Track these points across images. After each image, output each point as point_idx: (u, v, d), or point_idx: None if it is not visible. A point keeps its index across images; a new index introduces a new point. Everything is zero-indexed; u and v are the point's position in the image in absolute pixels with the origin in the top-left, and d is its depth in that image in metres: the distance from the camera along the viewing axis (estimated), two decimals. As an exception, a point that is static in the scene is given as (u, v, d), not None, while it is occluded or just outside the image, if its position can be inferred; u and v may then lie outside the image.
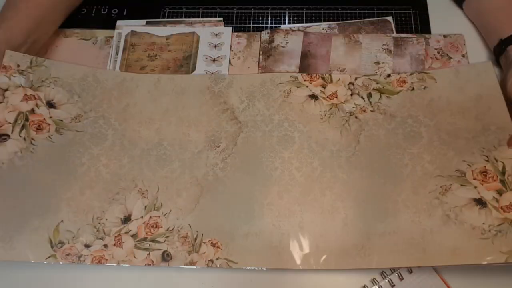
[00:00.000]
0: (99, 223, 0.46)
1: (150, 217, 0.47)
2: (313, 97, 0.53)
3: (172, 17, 0.62)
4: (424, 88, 0.52)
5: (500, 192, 0.45)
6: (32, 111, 0.51)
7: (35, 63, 0.53)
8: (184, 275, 0.47)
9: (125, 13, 0.62)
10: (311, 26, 0.59)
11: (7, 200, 0.47)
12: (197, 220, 0.47)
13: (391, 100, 0.52)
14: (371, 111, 0.52)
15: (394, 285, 0.45)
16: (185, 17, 0.62)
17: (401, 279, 0.45)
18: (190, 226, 0.46)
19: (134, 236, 0.46)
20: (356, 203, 0.47)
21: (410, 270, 0.45)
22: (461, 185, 0.46)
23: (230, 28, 0.60)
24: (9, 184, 0.48)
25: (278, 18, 0.61)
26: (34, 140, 0.50)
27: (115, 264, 0.45)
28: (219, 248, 0.45)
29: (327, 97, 0.53)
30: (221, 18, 0.61)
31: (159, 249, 0.46)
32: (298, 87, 0.54)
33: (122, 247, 0.46)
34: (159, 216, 0.47)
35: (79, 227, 0.46)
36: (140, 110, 0.53)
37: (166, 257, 0.45)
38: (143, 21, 0.61)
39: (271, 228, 0.46)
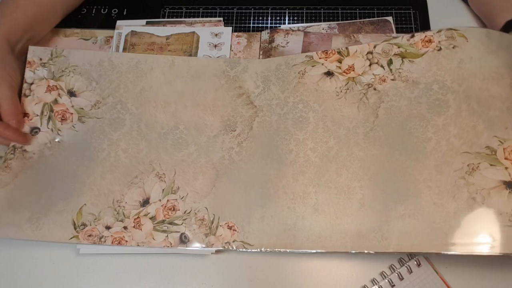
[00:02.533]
0: (119, 206, 0.48)
1: (168, 200, 0.48)
2: (329, 74, 0.51)
3: (172, 17, 0.62)
4: (453, 48, 0.47)
5: None
6: (56, 101, 0.52)
7: (55, 54, 0.54)
8: (184, 275, 0.47)
9: (125, 13, 0.62)
10: (311, 26, 0.59)
11: (37, 186, 0.49)
12: (213, 203, 0.47)
13: (414, 65, 0.48)
14: (392, 79, 0.48)
15: (394, 285, 0.45)
16: (185, 17, 0.62)
17: (401, 279, 0.45)
18: (206, 209, 0.47)
19: (152, 218, 0.47)
20: (373, 183, 0.44)
21: (410, 270, 0.45)
22: (491, 164, 0.42)
23: (230, 28, 0.60)
24: (39, 172, 0.49)
25: (278, 18, 0.61)
26: (60, 130, 0.51)
27: (134, 246, 0.46)
28: (235, 230, 0.46)
29: (344, 71, 0.50)
30: (221, 18, 0.61)
31: (177, 231, 0.46)
32: (313, 66, 0.51)
33: (141, 229, 0.47)
34: (176, 199, 0.48)
35: (100, 210, 0.48)
36: (156, 93, 0.53)
37: (183, 239, 0.46)
38: (143, 21, 0.61)
39: (286, 211, 0.46)
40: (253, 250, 0.45)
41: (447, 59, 0.47)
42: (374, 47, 0.50)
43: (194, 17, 0.62)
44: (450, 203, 0.42)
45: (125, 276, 0.47)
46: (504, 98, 0.44)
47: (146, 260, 0.48)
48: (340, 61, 0.51)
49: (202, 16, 0.62)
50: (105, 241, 0.46)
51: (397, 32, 0.58)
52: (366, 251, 0.43)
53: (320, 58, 0.52)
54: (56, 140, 0.51)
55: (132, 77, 0.54)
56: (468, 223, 0.41)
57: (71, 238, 0.46)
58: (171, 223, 0.47)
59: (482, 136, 0.43)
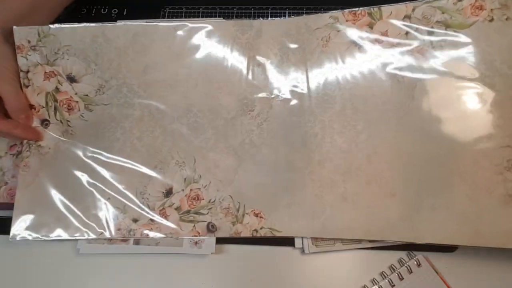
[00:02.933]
0: (143, 198, 0.47)
1: (191, 190, 0.47)
2: (358, 42, 0.45)
3: (172, 17, 0.62)
4: (506, 19, 0.41)
5: None
6: (57, 89, 0.50)
7: (42, 33, 0.50)
8: (184, 275, 0.47)
9: (125, 13, 0.62)
10: (311, 26, 0.59)
11: (58, 184, 0.48)
12: (237, 191, 0.46)
13: (459, 37, 0.42)
14: (432, 54, 0.43)
15: (394, 285, 0.45)
16: (185, 17, 0.62)
17: (401, 279, 0.45)
18: (231, 197, 0.46)
19: (177, 209, 0.47)
20: (405, 172, 0.42)
21: (410, 270, 0.45)
22: None
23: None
24: (58, 169, 0.48)
25: (278, 18, 0.61)
26: (69, 121, 0.49)
27: (163, 236, 0.46)
28: (262, 218, 0.45)
29: (375, 39, 0.45)
30: (221, 18, 0.61)
31: (204, 221, 0.46)
32: (338, 31, 0.46)
33: (168, 220, 0.46)
34: (199, 189, 0.47)
35: (125, 203, 0.47)
36: (162, 70, 0.49)
37: (211, 228, 0.46)
38: (143, 21, 0.61)
39: (313, 199, 0.44)
40: (282, 235, 0.45)
41: (499, 33, 0.41)
42: (413, 10, 0.44)
43: (194, 17, 0.61)
44: (485, 198, 0.40)
45: (125, 276, 0.47)
46: None
47: (146, 260, 0.48)
48: (371, 26, 0.45)
49: (202, 16, 0.62)
50: (134, 234, 0.46)
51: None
52: (397, 240, 0.42)
53: (347, 21, 0.46)
54: (70, 132, 0.49)
55: (132, 53, 0.49)
56: (502, 220, 0.39)
57: (100, 234, 0.46)
58: (196, 212, 0.46)
59: None
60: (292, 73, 0.47)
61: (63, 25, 0.50)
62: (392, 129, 0.43)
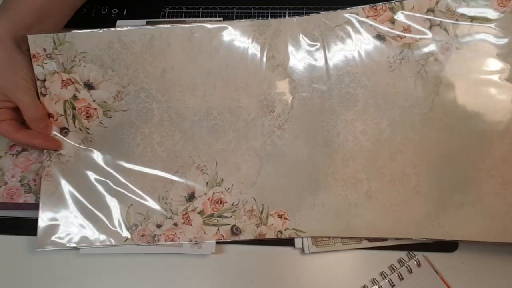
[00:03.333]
0: (166, 203, 0.47)
1: (214, 193, 0.47)
2: (379, 38, 0.44)
3: (172, 17, 0.62)
4: None
5: None
6: (75, 97, 0.49)
7: (58, 41, 0.49)
8: (184, 275, 0.47)
9: (125, 13, 0.62)
10: (311, 26, 0.59)
11: (82, 190, 0.47)
12: (260, 193, 0.46)
13: (490, 28, 0.41)
14: (457, 48, 0.41)
15: (394, 285, 0.45)
16: (185, 17, 0.62)
17: (401, 279, 0.45)
18: (254, 199, 0.46)
19: (201, 213, 0.46)
20: (430, 170, 0.42)
21: (410, 270, 0.45)
22: None
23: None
24: (79, 176, 0.48)
25: (278, 18, 0.61)
26: (88, 129, 0.49)
27: (187, 242, 0.46)
28: (286, 219, 0.45)
29: (397, 36, 0.43)
30: (221, 18, 0.61)
31: (228, 224, 0.46)
32: (361, 26, 0.45)
33: (191, 225, 0.46)
34: (222, 192, 0.46)
35: (148, 209, 0.47)
36: (180, 74, 0.48)
37: (235, 231, 0.46)
38: (143, 21, 0.61)
39: (337, 198, 0.44)
40: (303, 236, 0.45)
41: None
42: (437, 2, 0.42)
43: (194, 17, 0.61)
44: None
45: (125, 276, 0.47)
46: None
47: (146, 260, 0.48)
48: (392, 21, 0.43)
49: (202, 16, 0.62)
50: (158, 240, 0.46)
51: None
52: (424, 237, 0.42)
53: (367, 17, 0.44)
54: (89, 140, 0.49)
55: (149, 58, 0.48)
56: None
57: (125, 240, 0.46)
58: (220, 216, 0.46)
59: None
60: (312, 72, 0.46)
61: (78, 32, 0.49)
62: (416, 126, 0.43)
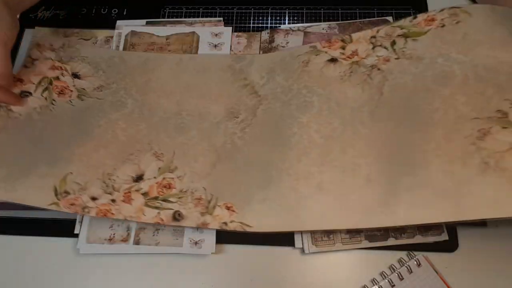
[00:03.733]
0: (109, 179, 0.47)
1: (164, 178, 0.47)
2: (332, 60, 0.51)
3: (172, 17, 0.62)
4: (457, 23, 0.47)
5: None
6: (57, 78, 0.52)
7: (67, 44, 0.55)
8: (184, 275, 0.47)
9: (125, 13, 0.62)
10: (311, 26, 0.59)
11: (18, 145, 0.48)
12: (212, 184, 0.46)
13: (417, 43, 0.47)
14: (396, 58, 0.48)
15: (394, 285, 0.45)
16: (185, 17, 0.62)
17: (401, 279, 0.45)
18: (204, 189, 0.46)
19: (145, 194, 0.46)
20: (380, 158, 0.44)
21: (410, 270, 0.45)
22: (503, 127, 0.41)
23: (230, 28, 0.60)
24: (24, 133, 0.49)
25: (278, 18, 0.61)
26: (54, 101, 0.50)
27: (121, 219, 0.45)
28: (234, 211, 0.45)
29: (347, 57, 0.50)
30: (221, 18, 0.61)
31: (170, 209, 0.45)
32: (317, 55, 0.52)
33: (131, 204, 0.46)
34: (173, 178, 0.47)
35: (88, 181, 0.47)
36: (162, 84, 0.53)
37: (177, 216, 0.45)
38: (143, 21, 0.61)
39: (289, 192, 0.45)
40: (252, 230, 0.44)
41: (451, 34, 0.46)
42: (377, 31, 0.50)
43: (194, 17, 0.62)
44: (461, 170, 0.40)
45: (125, 276, 0.47)
46: None
47: (146, 260, 0.48)
48: (343, 48, 0.51)
49: (202, 16, 0.62)
50: (88, 212, 0.45)
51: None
52: (375, 226, 0.42)
53: (323, 47, 0.52)
54: (49, 109, 0.50)
55: (140, 70, 0.54)
56: (481, 188, 0.39)
57: (50, 204, 0.45)
58: (165, 200, 0.46)
59: (492, 100, 0.42)
60: (276, 89, 0.51)
61: (89, 45, 0.56)
62: (364, 122, 0.46)
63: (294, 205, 0.44)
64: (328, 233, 0.47)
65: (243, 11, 0.62)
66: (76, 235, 0.48)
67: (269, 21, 0.61)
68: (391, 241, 0.46)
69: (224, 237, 0.48)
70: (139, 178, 0.47)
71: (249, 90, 0.52)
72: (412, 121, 0.44)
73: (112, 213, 0.45)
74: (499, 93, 0.42)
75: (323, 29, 0.59)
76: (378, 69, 0.48)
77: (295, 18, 0.61)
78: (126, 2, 0.63)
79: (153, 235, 0.48)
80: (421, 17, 0.49)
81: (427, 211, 0.40)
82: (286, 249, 0.48)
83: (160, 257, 0.48)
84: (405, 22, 0.49)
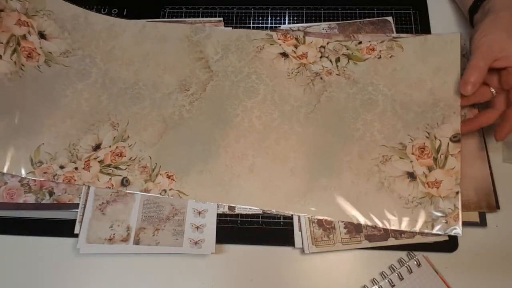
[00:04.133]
0: (74, 149, 0.52)
1: (117, 147, 0.52)
2: (284, 55, 0.56)
3: (172, 17, 0.62)
4: (390, 57, 0.54)
5: (430, 169, 0.48)
6: (24, 37, 0.55)
7: None
8: (184, 275, 0.47)
9: (125, 13, 0.62)
10: (311, 26, 0.59)
11: None
12: (157, 153, 0.52)
13: (357, 66, 0.54)
14: (337, 74, 0.54)
15: (394, 285, 0.45)
16: (185, 17, 0.62)
17: (401, 279, 0.45)
18: (150, 158, 0.51)
19: (101, 162, 0.51)
20: (306, 156, 0.50)
21: (410, 270, 0.45)
22: (400, 157, 0.49)
23: (230, 28, 0.60)
24: None
25: (278, 18, 0.61)
26: (23, 66, 0.54)
27: (81, 184, 0.50)
28: (173, 180, 0.50)
29: (297, 56, 0.56)
30: (221, 18, 0.61)
31: (120, 175, 0.51)
32: (271, 44, 0.56)
33: (89, 171, 0.51)
34: (124, 147, 0.52)
35: (57, 151, 0.52)
36: (123, 52, 0.57)
37: (124, 182, 0.50)
38: (143, 21, 0.61)
39: (224, 168, 0.50)
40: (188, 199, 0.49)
41: (383, 67, 0.54)
42: (327, 43, 0.56)
43: (194, 17, 0.61)
44: (364, 183, 0.49)
45: (125, 276, 0.47)
46: (421, 103, 0.51)
47: (146, 260, 0.48)
48: (296, 46, 0.56)
49: (202, 16, 0.62)
50: (57, 179, 0.50)
51: (397, 32, 0.58)
52: (290, 212, 0.48)
53: (278, 39, 0.57)
54: (19, 75, 0.53)
55: (105, 36, 0.58)
56: (374, 201, 0.48)
57: (28, 173, 0.50)
58: (116, 167, 0.51)
59: (399, 133, 0.50)
60: (228, 67, 0.56)
61: None
62: (300, 121, 0.52)
63: (227, 181, 0.50)
64: (328, 233, 0.47)
65: (243, 11, 0.62)
66: (76, 235, 0.48)
67: (269, 21, 0.61)
68: (391, 241, 0.46)
69: (224, 237, 0.48)
70: (97, 147, 0.52)
71: (203, 64, 0.56)
72: (338, 132, 0.51)
73: (75, 180, 0.50)
74: (404, 128, 0.50)
75: (323, 29, 0.59)
76: (321, 78, 0.54)
77: (295, 18, 0.61)
78: (126, 2, 0.63)
79: (153, 235, 0.48)
80: (364, 44, 0.56)
81: (332, 210, 0.48)
82: (286, 249, 0.48)
83: (160, 257, 0.48)
84: (351, 44, 0.56)
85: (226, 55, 0.56)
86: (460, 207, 0.46)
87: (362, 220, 0.47)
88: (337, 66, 0.55)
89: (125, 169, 0.51)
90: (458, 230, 0.45)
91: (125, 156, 0.51)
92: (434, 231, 0.45)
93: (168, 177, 0.50)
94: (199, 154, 0.51)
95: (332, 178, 0.49)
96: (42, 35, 0.56)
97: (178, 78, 0.55)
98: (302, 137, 0.51)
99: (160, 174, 0.50)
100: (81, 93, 0.54)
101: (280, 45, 0.56)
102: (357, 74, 0.54)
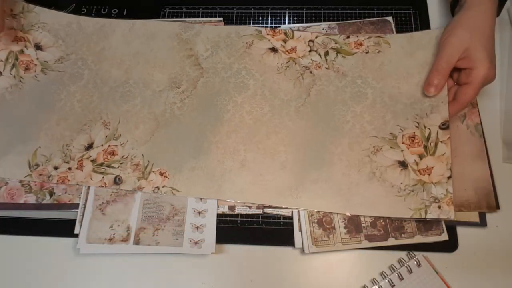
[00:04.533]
0: (67, 149, 0.52)
1: (109, 146, 0.52)
2: (273, 50, 0.56)
3: (172, 17, 0.62)
4: (378, 52, 0.55)
5: (421, 157, 0.49)
6: (22, 51, 0.57)
7: (26, 9, 0.59)
8: (184, 275, 0.47)
9: (125, 13, 0.62)
10: (311, 26, 0.59)
11: None
12: (149, 151, 0.52)
13: (345, 60, 0.55)
14: (326, 68, 0.55)
15: (394, 285, 0.45)
16: (185, 17, 0.62)
17: (401, 279, 0.45)
18: (142, 155, 0.52)
19: (93, 161, 0.52)
20: (296, 150, 0.51)
21: (410, 270, 0.45)
22: (391, 147, 0.50)
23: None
24: (1, 116, 0.54)
25: (278, 18, 0.61)
26: (22, 78, 0.56)
27: (74, 184, 0.50)
28: (166, 177, 0.50)
29: (287, 51, 0.56)
30: (221, 18, 0.61)
31: (112, 174, 0.51)
32: (260, 40, 0.57)
33: (82, 170, 0.51)
34: (116, 145, 0.52)
35: (52, 152, 0.52)
36: (114, 52, 0.58)
37: (117, 181, 0.51)
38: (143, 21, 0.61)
39: (215, 164, 0.51)
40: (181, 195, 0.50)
41: (371, 61, 0.54)
42: (316, 37, 0.57)
43: (194, 17, 0.62)
44: (355, 174, 0.49)
45: (125, 276, 0.47)
46: (410, 95, 0.52)
47: (146, 260, 0.48)
48: (284, 41, 0.57)
49: (202, 16, 0.62)
50: (52, 180, 0.51)
51: (397, 32, 0.58)
52: (283, 206, 0.49)
53: (267, 34, 0.57)
54: (19, 87, 0.55)
55: (96, 38, 0.59)
56: (366, 191, 0.48)
57: (26, 176, 0.51)
58: (108, 166, 0.51)
59: (389, 124, 0.51)
60: (218, 63, 0.56)
61: (47, 9, 0.60)
62: (291, 115, 0.53)
63: (219, 177, 0.50)
64: (328, 233, 0.47)
65: (243, 11, 0.62)
66: (76, 235, 0.48)
67: (269, 21, 0.61)
68: (391, 241, 0.46)
69: (224, 237, 0.48)
70: (89, 147, 0.53)
71: (193, 61, 0.56)
72: (328, 126, 0.52)
73: (68, 180, 0.51)
74: (394, 119, 0.51)
75: (323, 29, 0.59)
76: (310, 72, 0.55)
77: (295, 18, 0.61)
78: (126, 2, 0.63)
79: (153, 235, 0.48)
80: (352, 38, 0.56)
81: (324, 202, 0.48)
82: (286, 249, 0.48)
83: (160, 257, 0.48)
84: (340, 38, 0.56)
85: (215, 52, 0.57)
86: (452, 191, 0.46)
87: (355, 211, 0.47)
88: (326, 59, 0.55)
89: (118, 167, 0.51)
90: (451, 214, 0.45)
91: (117, 155, 0.52)
92: (428, 217, 0.46)
93: (161, 174, 0.50)
94: (191, 150, 0.51)
95: (323, 171, 0.49)
96: (38, 47, 0.58)
97: (168, 75, 0.56)
98: (293, 131, 0.51)
99: (153, 171, 0.51)
100: (74, 95, 0.55)
101: (269, 40, 0.57)
102: (346, 68, 0.54)
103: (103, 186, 0.50)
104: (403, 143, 0.50)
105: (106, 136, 0.53)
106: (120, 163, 0.51)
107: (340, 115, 0.52)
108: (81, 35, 0.59)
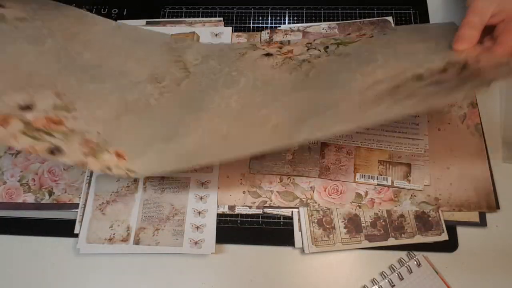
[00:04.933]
0: None
1: (56, 115, 0.44)
2: (268, 55, 0.53)
3: (172, 17, 0.62)
4: (384, 35, 0.51)
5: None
6: None
7: None
8: (184, 275, 0.47)
9: (125, 13, 0.62)
10: (311, 26, 0.59)
11: None
12: (110, 131, 0.45)
13: (348, 47, 0.51)
14: (326, 56, 0.51)
15: (394, 285, 0.45)
16: (185, 17, 0.62)
17: (401, 279, 0.45)
18: (98, 133, 0.45)
19: (26, 123, 0.42)
20: (290, 114, 0.43)
21: (410, 270, 0.45)
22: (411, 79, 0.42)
23: (230, 28, 0.60)
24: None
25: (278, 18, 0.61)
26: None
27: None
28: (124, 159, 0.44)
29: (283, 53, 0.53)
30: (221, 18, 0.61)
31: (49, 142, 0.42)
32: (254, 50, 0.55)
33: (5, 128, 0.41)
34: (66, 117, 0.44)
35: None
36: (91, 39, 0.52)
37: (54, 151, 0.42)
38: (143, 21, 0.61)
39: (192, 145, 0.44)
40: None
41: (377, 40, 0.50)
42: (314, 40, 0.55)
43: (194, 17, 0.62)
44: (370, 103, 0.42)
45: (125, 276, 0.47)
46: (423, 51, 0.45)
47: (146, 260, 0.48)
48: (280, 47, 0.55)
49: (202, 16, 0.62)
50: None
51: (397, 32, 0.58)
52: (277, 146, 0.41)
53: (262, 46, 0.55)
54: None
55: (74, 20, 0.52)
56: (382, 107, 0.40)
57: None
58: (47, 133, 0.43)
59: (407, 72, 0.42)
60: (206, 69, 0.52)
61: None
62: (286, 93, 0.46)
63: (193, 153, 0.44)
64: (328, 233, 0.47)
65: (243, 11, 0.62)
66: (76, 235, 0.48)
67: (269, 21, 0.61)
68: (391, 241, 0.46)
69: (224, 237, 0.48)
70: (25, 108, 0.43)
71: (180, 66, 0.52)
72: (331, 88, 0.44)
73: None
74: (410, 68, 0.42)
75: (323, 29, 0.59)
76: (309, 62, 0.50)
77: (295, 18, 0.61)
78: (126, 2, 0.63)
79: (153, 235, 0.48)
80: (354, 33, 0.54)
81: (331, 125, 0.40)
82: (286, 249, 0.48)
83: (160, 257, 0.48)
84: (340, 37, 0.54)
85: (206, 61, 0.53)
86: None
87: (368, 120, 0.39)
88: (326, 51, 0.51)
89: (62, 138, 0.43)
90: None
91: (65, 126, 0.44)
92: None
93: (118, 155, 0.44)
94: (163, 135, 0.45)
95: (330, 108, 0.41)
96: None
97: (151, 71, 0.51)
98: (287, 103, 0.45)
99: (107, 151, 0.44)
100: (26, 54, 0.47)
101: (264, 49, 0.54)
102: (349, 50, 0.49)
103: (30, 152, 0.41)
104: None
105: (55, 106, 0.45)
106: (65, 135, 0.43)
107: (345, 79, 0.44)
108: (58, 13, 0.52)
